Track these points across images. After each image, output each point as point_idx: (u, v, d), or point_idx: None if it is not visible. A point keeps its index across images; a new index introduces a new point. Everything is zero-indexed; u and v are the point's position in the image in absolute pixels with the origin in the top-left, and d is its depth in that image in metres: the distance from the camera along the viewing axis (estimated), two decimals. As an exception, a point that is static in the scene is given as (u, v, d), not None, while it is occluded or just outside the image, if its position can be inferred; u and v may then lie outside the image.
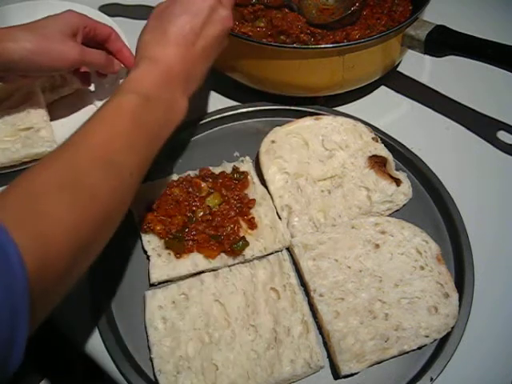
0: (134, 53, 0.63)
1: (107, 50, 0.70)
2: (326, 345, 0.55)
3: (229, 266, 0.60)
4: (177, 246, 0.60)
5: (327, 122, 0.71)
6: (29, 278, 0.33)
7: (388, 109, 0.80)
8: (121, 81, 0.76)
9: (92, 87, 0.78)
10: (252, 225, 0.62)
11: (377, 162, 0.68)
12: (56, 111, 0.75)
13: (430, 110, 0.80)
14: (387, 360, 0.54)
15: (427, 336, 0.54)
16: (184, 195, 0.64)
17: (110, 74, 0.74)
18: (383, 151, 0.68)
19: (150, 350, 0.54)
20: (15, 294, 0.32)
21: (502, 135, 0.76)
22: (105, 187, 0.43)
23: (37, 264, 0.34)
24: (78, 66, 0.67)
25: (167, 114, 0.52)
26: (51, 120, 0.72)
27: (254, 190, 0.65)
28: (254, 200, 0.64)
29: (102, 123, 0.46)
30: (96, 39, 0.69)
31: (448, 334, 0.55)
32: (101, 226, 0.43)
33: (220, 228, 0.61)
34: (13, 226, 0.34)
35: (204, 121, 0.74)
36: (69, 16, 0.65)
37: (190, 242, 0.60)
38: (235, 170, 0.67)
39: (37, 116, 0.71)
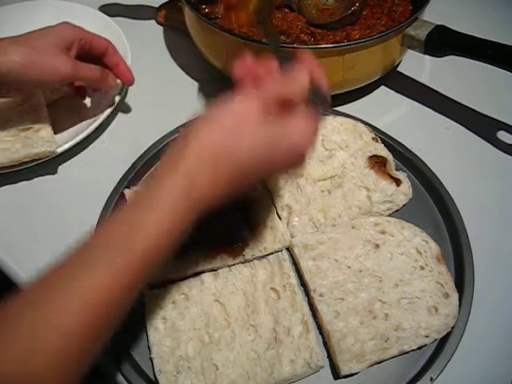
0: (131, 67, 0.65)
1: (104, 63, 0.68)
2: (326, 345, 0.55)
3: (229, 266, 0.60)
4: None
5: (327, 122, 0.71)
6: None
7: (388, 109, 0.80)
8: (116, 98, 0.74)
9: (88, 101, 0.78)
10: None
11: (377, 162, 0.68)
12: (56, 111, 0.75)
13: (430, 110, 0.80)
14: (387, 360, 0.54)
15: (427, 336, 0.54)
16: None
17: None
18: (383, 151, 0.68)
19: (149, 350, 0.54)
20: None
21: (502, 135, 0.76)
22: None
23: None
24: (71, 81, 0.66)
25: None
26: (51, 120, 0.72)
27: (254, 190, 0.65)
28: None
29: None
30: (92, 52, 0.67)
31: (448, 334, 0.55)
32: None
33: None
34: None
35: (204, 121, 0.74)
36: (63, 28, 0.63)
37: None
38: None
39: (37, 116, 0.71)
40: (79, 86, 0.72)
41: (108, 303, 0.39)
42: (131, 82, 0.71)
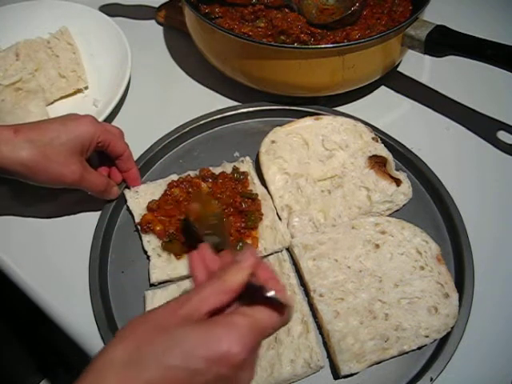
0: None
1: (115, 165, 0.65)
2: (326, 345, 0.55)
3: (229, 266, 0.60)
4: (174, 248, 0.60)
5: (327, 121, 0.71)
6: None
7: (388, 109, 0.80)
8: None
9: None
10: (254, 244, 0.61)
11: (377, 162, 0.68)
12: (56, 111, 0.75)
13: (430, 110, 0.80)
14: (387, 360, 0.54)
15: (427, 336, 0.54)
16: (184, 195, 0.64)
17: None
18: (383, 151, 0.68)
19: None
20: None
21: (502, 135, 0.76)
22: None
23: None
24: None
25: None
26: (51, 120, 0.72)
27: (254, 191, 0.65)
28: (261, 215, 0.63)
29: None
30: (107, 153, 0.63)
31: (448, 334, 0.55)
32: None
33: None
34: None
35: (204, 121, 0.74)
36: (84, 128, 0.59)
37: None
38: (235, 170, 0.67)
39: (37, 116, 0.71)
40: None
41: None
42: (138, 185, 0.68)
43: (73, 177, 0.58)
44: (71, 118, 0.60)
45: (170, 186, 0.65)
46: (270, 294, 0.38)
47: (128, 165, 0.65)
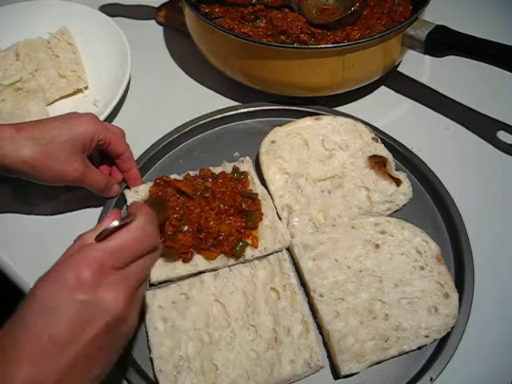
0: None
1: (116, 164, 0.66)
2: (326, 345, 0.55)
3: (229, 266, 0.60)
4: (166, 253, 0.59)
5: (327, 121, 0.71)
6: None
7: (388, 109, 0.81)
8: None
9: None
10: (254, 243, 0.61)
11: (377, 162, 0.68)
12: (56, 111, 0.75)
13: (429, 110, 0.80)
14: (387, 360, 0.54)
15: (427, 336, 0.54)
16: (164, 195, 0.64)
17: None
18: (383, 151, 0.68)
19: (150, 350, 0.54)
20: None
21: (502, 135, 0.76)
22: None
23: None
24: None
25: None
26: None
27: (255, 190, 0.65)
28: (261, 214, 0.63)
29: None
30: (107, 152, 0.64)
31: (448, 334, 0.55)
32: None
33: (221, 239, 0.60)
34: None
35: (204, 121, 0.74)
36: (85, 126, 0.59)
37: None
38: (235, 170, 0.67)
39: (37, 116, 0.71)
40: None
41: None
42: (139, 184, 0.68)
43: (75, 174, 0.59)
44: (73, 116, 0.60)
45: (154, 183, 0.65)
46: (115, 223, 0.41)
47: (128, 165, 0.65)
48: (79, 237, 0.44)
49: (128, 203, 0.65)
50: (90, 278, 0.38)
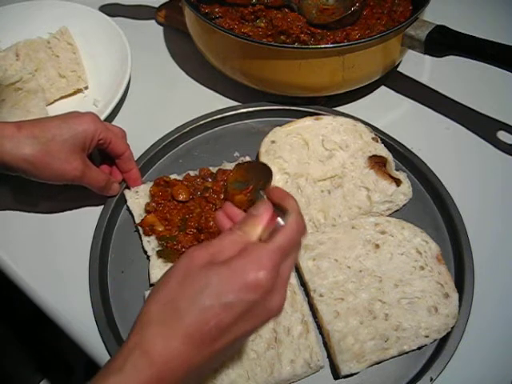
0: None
1: (116, 164, 0.66)
2: (326, 345, 0.55)
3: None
4: (167, 255, 0.59)
5: (327, 121, 0.71)
6: None
7: (388, 109, 0.80)
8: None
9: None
10: None
11: (377, 162, 0.68)
12: (56, 111, 0.75)
13: (429, 110, 0.80)
14: (387, 360, 0.54)
15: (427, 336, 0.54)
16: (163, 195, 0.64)
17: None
18: (383, 151, 0.68)
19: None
20: None
21: (502, 135, 0.76)
22: None
23: None
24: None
25: None
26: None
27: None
28: None
29: None
30: (108, 152, 0.64)
31: (448, 334, 0.55)
32: None
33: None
34: None
35: (204, 121, 0.74)
36: (87, 125, 0.59)
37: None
38: None
39: (36, 116, 0.71)
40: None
41: None
42: (139, 185, 0.67)
43: (74, 173, 0.59)
44: (73, 115, 0.60)
45: (154, 183, 0.65)
46: (281, 223, 0.42)
47: (128, 165, 0.65)
48: (237, 226, 0.43)
49: (128, 203, 0.65)
50: (265, 279, 0.39)
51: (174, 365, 0.38)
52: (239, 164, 0.65)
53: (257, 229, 0.43)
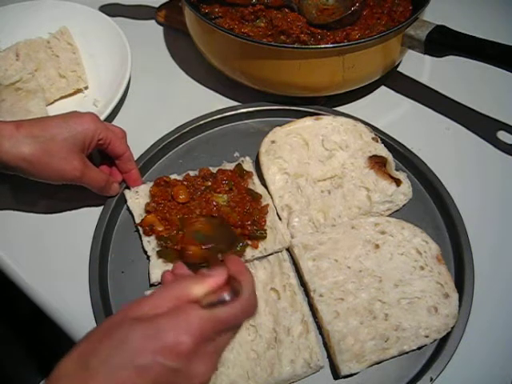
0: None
1: (116, 165, 0.65)
2: (326, 345, 0.55)
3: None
4: (167, 255, 0.59)
5: (327, 121, 0.71)
6: None
7: (388, 109, 0.80)
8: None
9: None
10: (254, 244, 0.61)
11: (377, 162, 0.68)
12: (56, 111, 0.75)
13: (429, 110, 0.80)
14: (387, 360, 0.54)
15: (427, 336, 0.54)
16: (163, 195, 0.64)
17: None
18: (383, 151, 0.68)
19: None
20: None
21: (502, 135, 0.76)
22: None
23: None
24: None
25: None
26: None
27: (255, 190, 0.65)
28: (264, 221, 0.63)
29: None
30: (107, 152, 0.63)
31: (448, 334, 0.55)
32: None
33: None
34: None
35: (204, 121, 0.74)
36: (87, 125, 0.59)
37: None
38: (239, 166, 0.67)
39: (37, 116, 0.71)
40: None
41: None
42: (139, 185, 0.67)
43: (74, 172, 0.59)
44: (73, 115, 0.60)
45: (154, 183, 0.65)
46: (227, 298, 0.38)
47: (128, 165, 0.65)
48: (181, 281, 0.40)
49: (128, 203, 0.65)
50: (186, 345, 0.35)
51: None
52: (209, 217, 0.61)
53: (200, 288, 0.39)
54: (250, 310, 0.40)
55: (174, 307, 0.37)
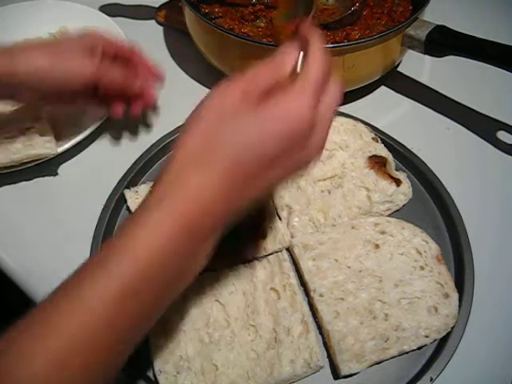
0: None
1: (131, 68, 0.66)
2: (326, 345, 0.55)
3: (229, 266, 0.60)
4: None
5: (327, 122, 0.71)
6: None
7: (388, 109, 0.80)
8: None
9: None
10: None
11: (377, 162, 0.68)
12: (56, 111, 0.75)
13: (429, 110, 0.80)
14: (387, 360, 0.54)
15: (427, 336, 0.54)
16: None
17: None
18: (383, 151, 0.68)
19: (149, 350, 0.54)
20: None
21: (502, 135, 0.76)
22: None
23: None
24: (95, 83, 0.62)
25: (179, 273, 0.41)
26: (51, 120, 0.72)
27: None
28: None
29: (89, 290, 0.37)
30: (118, 57, 0.65)
31: (448, 334, 0.55)
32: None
33: None
34: None
35: (204, 121, 0.74)
36: (88, 33, 0.63)
37: None
38: None
39: (37, 116, 0.71)
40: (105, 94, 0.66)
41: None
42: (162, 79, 0.70)
43: (91, 67, 0.59)
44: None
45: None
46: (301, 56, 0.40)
47: (141, 57, 0.67)
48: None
49: (128, 203, 0.65)
50: (308, 111, 0.38)
51: (211, 207, 0.37)
52: None
53: (288, 65, 0.41)
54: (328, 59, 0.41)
55: (275, 85, 0.40)
